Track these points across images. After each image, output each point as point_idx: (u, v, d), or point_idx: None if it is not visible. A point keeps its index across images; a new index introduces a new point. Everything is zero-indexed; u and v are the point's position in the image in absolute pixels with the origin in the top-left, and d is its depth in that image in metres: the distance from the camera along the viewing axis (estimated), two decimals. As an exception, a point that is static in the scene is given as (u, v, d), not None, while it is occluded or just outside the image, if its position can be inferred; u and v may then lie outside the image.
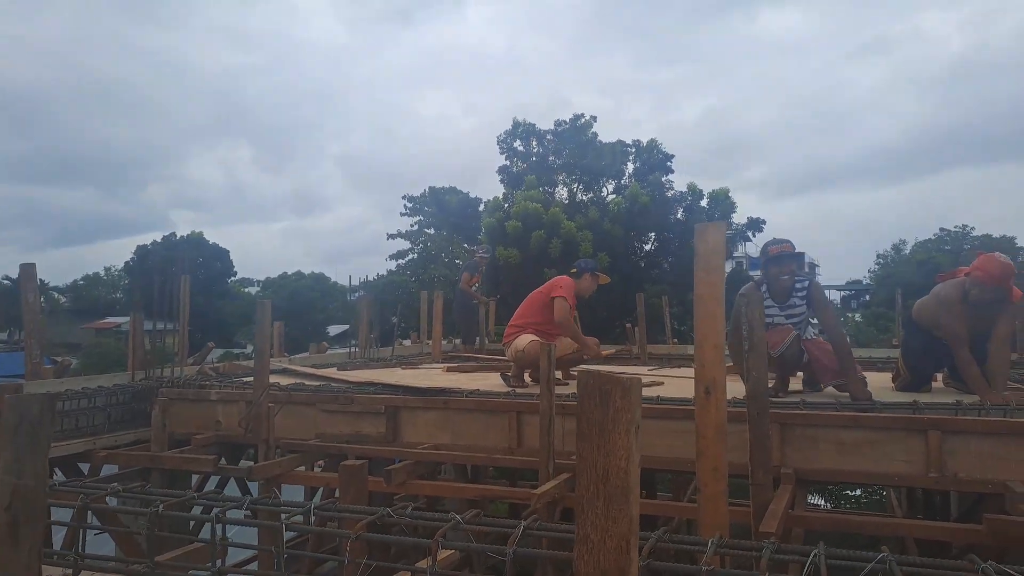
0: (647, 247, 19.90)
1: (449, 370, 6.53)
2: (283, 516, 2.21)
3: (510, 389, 5.01)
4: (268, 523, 2.11)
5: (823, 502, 12.10)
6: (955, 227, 29.18)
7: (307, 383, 5.34)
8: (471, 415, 4.67)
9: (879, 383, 5.34)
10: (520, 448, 4.53)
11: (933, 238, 29.14)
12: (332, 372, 6.10)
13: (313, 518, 2.12)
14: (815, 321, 4.85)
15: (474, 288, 9.49)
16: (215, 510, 2.00)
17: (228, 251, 31.26)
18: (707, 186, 19.60)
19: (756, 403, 3.67)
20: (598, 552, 1.16)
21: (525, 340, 5.26)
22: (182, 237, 36.90)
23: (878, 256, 34.95)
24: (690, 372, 6.74)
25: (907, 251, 30.00)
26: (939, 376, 5.20)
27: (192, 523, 2.61)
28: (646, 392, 4.93)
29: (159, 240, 38.66)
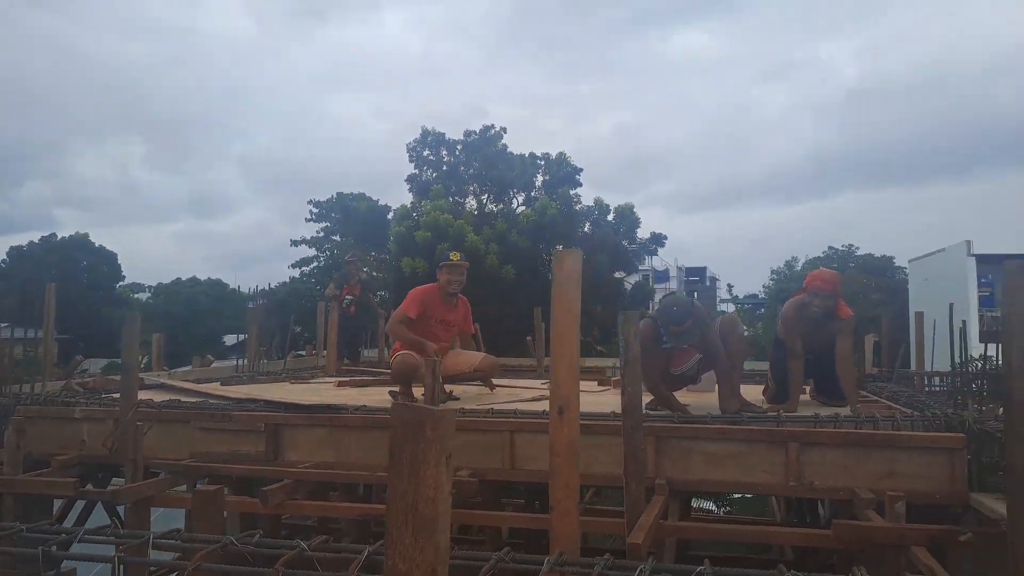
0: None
1: (340, 384, 6.43)
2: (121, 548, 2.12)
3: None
4: (100, 556, 2.01)
5: (717, 509, 12.61)
6: (842, 246, 31.18)
7: (184, 399, 5.12)
8: (357, 432, 4.61)
9: (755, 395, 5.65)
10: (405, 464, 4.50)
11: (822, 256, 30.98)
12: (214, 387, 5.88)
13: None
14: None
15: (349, 298, 8.98)
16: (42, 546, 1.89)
17: (116, 254, 29.23)
18: (618, 200, 20.20)
19: (631, 418, 3.81)
20: (405, 582, 1.18)
21: (395, 355, 5.30)
22: (64, 238, 34.10)
23: (772, 272, 36.90)
24: (585, 385, 6.84)
25: (798, 267, 31.78)
26: (807, 389, 5.55)
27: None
28: (534, 407, 5.01)
29: (37, 241, 35.61)
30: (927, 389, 6.57)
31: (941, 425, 4.03)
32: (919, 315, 7.93)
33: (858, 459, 3.96)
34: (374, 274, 17.87)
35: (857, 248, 30.22)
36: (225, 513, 3.55)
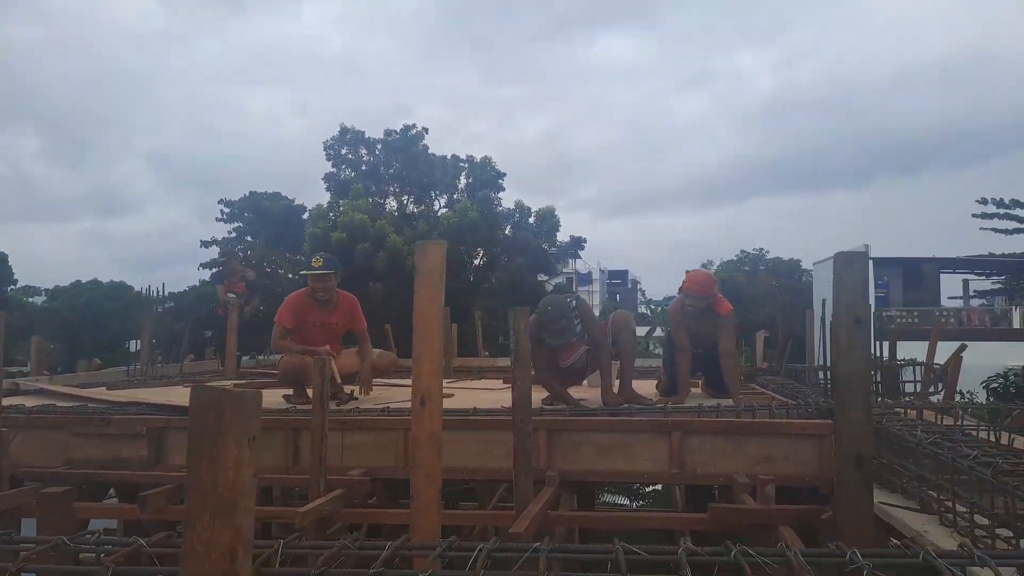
0: (476, 262, 20.28)
1: (236, 387, 6.24)
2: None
3: (289, 406, 4.89)
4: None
5: (628, 501, 12.91)
6: (753, 250, 32.44)
7: (60, 404, 4.88)
8: (245, 433, 4.50)
9: (649, 389, 5.82)
10: (296, 466, 4.43)
11: (735, 259, 32.16)
12: (97, 392, 5.62)
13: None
14: None
15: (232, 296, 8.50)
16: None
17: (7, 255, 27.04)
18: (541, 203, 20.36)
19: (520, 411, 3.87)
20: (203, 563, 1.16)
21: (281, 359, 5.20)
22: (-61, 237, 31.31)
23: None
24: (490, 383, 6.85)
25: (712, 270, 32.85)
26: (700, 383, 5.76)
27: None
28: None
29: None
30: (816, 382, 6.92)
31: (813, 413, 4.25)
32: (810, 313, 8.34)
33: (736, 446, 4.13)
34: (290, 275, 17.44)
35: (768, 252, 31.54)
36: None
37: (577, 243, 21.42)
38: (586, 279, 49.45)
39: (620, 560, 1.62)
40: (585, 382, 5.81)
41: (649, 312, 28.74)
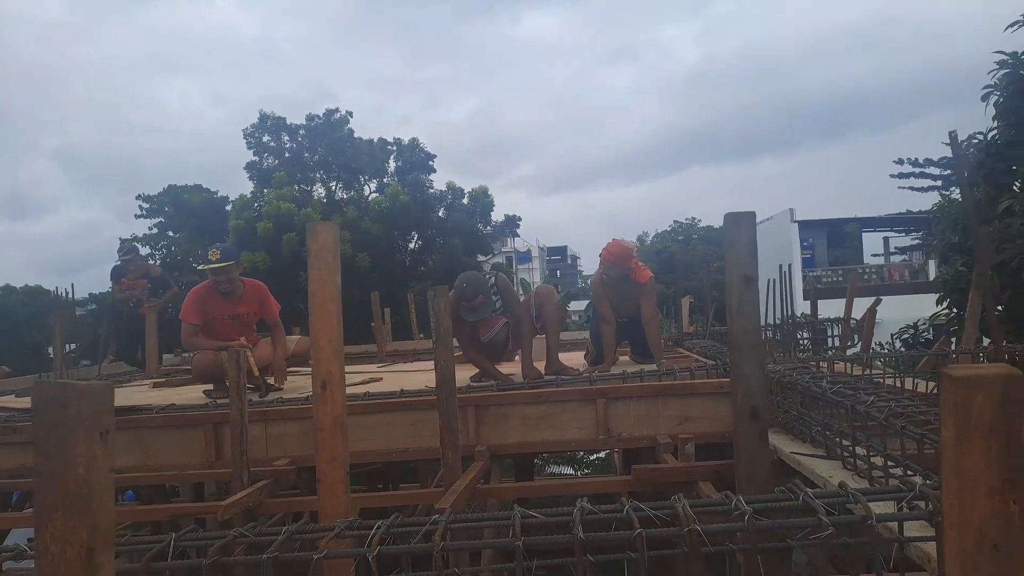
0: (411, 246, 20.09)
1: (156, 386, 6.06)
2: None
3: (209, 401, 4.76)
4: None
5: (572, 470, 13.15)
6: (686, 219, 33.13)
7: (-39, 415, 4.63)
8: (163, 432, 4.38)
9: (578, 360, 5.91)
10: (219, 461, 4.33)
11: (668, 229, 32.80)
12: (5, 400, 5.36)
13: None
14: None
15: (133, 293, 8.18)
16: None
17: None
18: (477, 184, 20.27)
19: (444, 389, 3.86)
20: (59, 563, 1.11)
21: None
22: None
23: (626, 246, 38.53)
24: (422, 366, 6.81)
25: (648, 241, 33.48)
26: (628, 351, 5.87)
27: None
28: (360, 389, 4.96)
29: None
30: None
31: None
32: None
33: (659, 409, 4.23)
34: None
35: (700, 220, 32.27)
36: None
37: (512, 222, 21.44)
38: (525, 257, 49.61)
39: (516, 524, 1.63)
40: (517, 357, 5.84)
41: (587, 286, 29.12)
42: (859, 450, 2.89)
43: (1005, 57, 5.40)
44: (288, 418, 4.35)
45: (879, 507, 1.61)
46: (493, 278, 4.94)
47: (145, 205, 20.00)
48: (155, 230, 20.29)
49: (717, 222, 32.94)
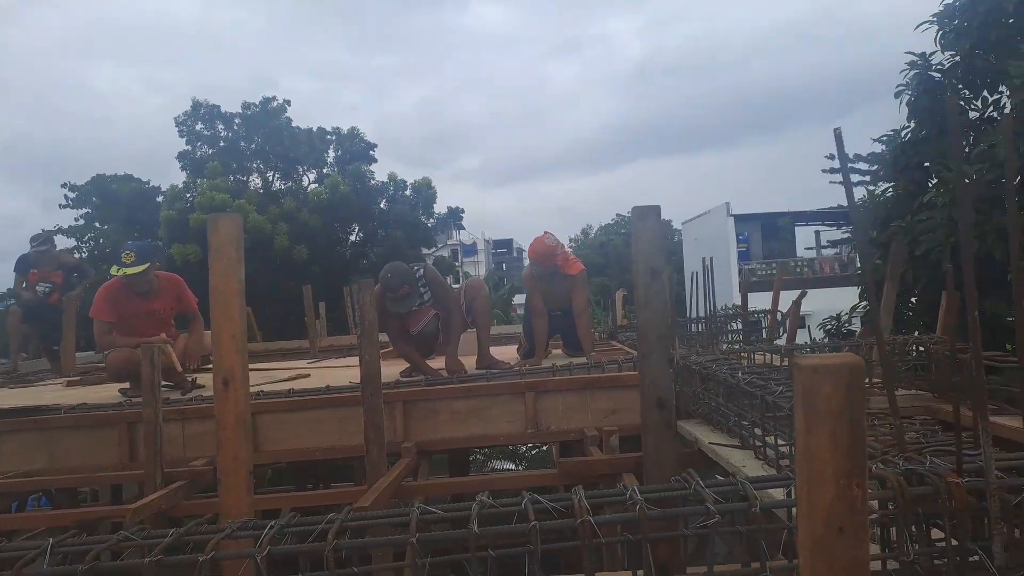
0: (352, 238, 19.78)
1: (70, 384, 5.82)
2: None
3: (125, 399, 4.59)
4: None
5: (514, 465, 13.19)
6: (628, 212, 33.61)
7: None
8: (74, 432, 4.21)
9: (511, 354, 5.92)
10: (134, 462, 4.18)
11: (612, 222, 33.22)
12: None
13: None
14: None
15: (46, 286, 7.58)
16: None
17: None
18: (420, 175, 20.05)
19: (369, 385, 3.82)
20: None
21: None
22: None
23: (571, 240, 38.96)
24: (355, 362, 6.75)
25: (592, 235, 33.84)
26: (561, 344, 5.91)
27: None
28: (286, 386, 4.87)
29: None
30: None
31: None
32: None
33: (587, 402, 4.28)
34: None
35: (642, 214, 32.71)
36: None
37: (455, 214, 21.34)
38: (471, 250, 49.53)
39: (413, 520, 1.61)
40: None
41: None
42: (769, 439, 2.98)
43: (915, 58, 5.63)
44: (206, 416, 4.21)
45: (780, 495, 1.66)
46: (422, 269, 4.91)
47: (71, 195, 19.15)
48: (81, 221, 19.46)
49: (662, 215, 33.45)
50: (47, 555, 1.58)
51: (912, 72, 5.67)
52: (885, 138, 5.94)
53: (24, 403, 4.56)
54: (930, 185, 5.78)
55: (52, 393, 5.47)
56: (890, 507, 1.59)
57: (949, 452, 1.68)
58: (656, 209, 2.19)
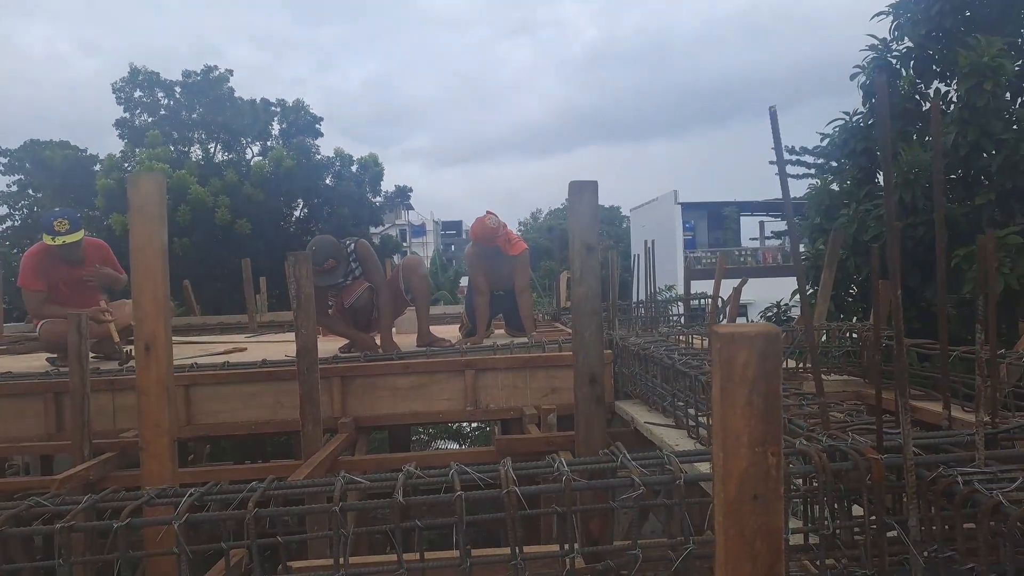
0: (297, 214, 19.35)
1: (-4, 353, 5.57)
2: None
3: (52, 368, 4.41)
4: None
5: (458, 445, 13.23)
6: (577, 196, 33.75)
7: None
8: (-3, 401, 4.03)
9: (453, 332, 5.90)
10: (61, 432, 4.03)
11: (561, 207, 33.35)
12: None
13: None
14: None
15: None
16: None
17: None
18: (368, 152, 19.67)
19: (305, 359, 3.75)
20: None
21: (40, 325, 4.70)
22: None
23: (520, 224, 39.00)
24: (293, 337, 6.61)
25: (542, 218, 33.96)
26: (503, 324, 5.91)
27: None
28: (222, 359, 4.76)
29: None
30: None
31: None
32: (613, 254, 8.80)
33: (526, 380, 4.30)
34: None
35: (591, 199, 32.93)
36: None
37: (403, 192, 21.06)
38: (420, 231, 49.13)
39: (338, 489, 1.59)
40: (394, 329, 5.76)
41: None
42: (703, 420, 3.05)
43: (875, 41, 5.76)
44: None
45: (707, 469, 1.69)
46: (352, 244, 4.84)
47: (3, 160, 18.23)
48: (14, 188, 18.56)
49: (607, 201, 33.83)
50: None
51: (871, 56, 5.80)
52: (839, 122, 6.06)
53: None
54: (878, 175, 5.93)
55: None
56: (813, 483, 1.64)
57: (871, 431, 1.74)
58: (593, 184, 2.20)
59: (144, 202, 2.09)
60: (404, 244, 30.85)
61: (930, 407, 3.00)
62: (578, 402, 2.27)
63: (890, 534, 1.55)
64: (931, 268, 4.85)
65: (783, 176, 1.71)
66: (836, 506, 1.62)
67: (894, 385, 3.58)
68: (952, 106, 5.37)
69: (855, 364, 4.06)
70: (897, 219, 5.06)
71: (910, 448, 1.43)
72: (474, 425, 13.90)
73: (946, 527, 1.50)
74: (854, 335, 4.17)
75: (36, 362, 4.97)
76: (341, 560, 1.53)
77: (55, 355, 4.66)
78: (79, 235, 4.55)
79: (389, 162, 19.38)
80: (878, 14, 5.95)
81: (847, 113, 6.13)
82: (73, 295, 4.67)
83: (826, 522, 1.56)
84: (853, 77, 5.98)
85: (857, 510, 1.67)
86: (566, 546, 1.65)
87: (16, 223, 20.11)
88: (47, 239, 4.55)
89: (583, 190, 2.16)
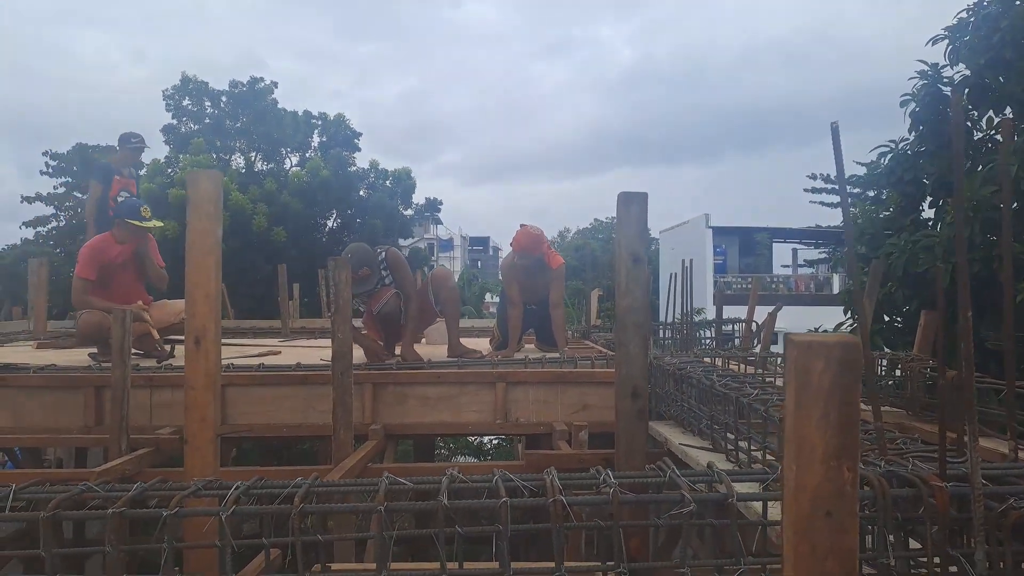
0: (330, 224, 19.58)
1: (40, 346, 5.69)
2: None
3: (94, 363, 4.49)
4: None
5: (477, 459, 13.18)
6: (607, 218, 33.73)
7: None
8: (40, 393, 4.11)
9: (483, 346, 5.89)
10: (99, 427, 4.09)
11: (589, 227, 33.33)
12: None
13: None
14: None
15: (125, 195, 6.82)
16: None
17: None
18: (397, 166, 19.89)
19: (340, 363, 3.76)
20: None
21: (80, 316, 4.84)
22: None
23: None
24: (327, 343, 6.67)
25: (569, 238, 33.93)
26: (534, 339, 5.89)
27: None
28: (256, 361, 4.80)
29: None
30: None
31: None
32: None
33: (557, 396, 4.26)
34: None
35: (620, 220, 32.78)
36: None
37: (433, 205, 21.21)
38: (447, 245, 49.36)
39: (381, 490, 1.58)
40: (423, 339, 5.77)
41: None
42: (742, 443, 2.98)
43: (926, 68, 5.60)
44: (175, 385, 4.14)
45: (749, 490, 1.65)
46: (384, 252, 4.88)
47: (52, 163, 18.76)
48: (61, 189, 19.07)
49: (638, 224, 33.56)
50: (9, 500, 1.53)
51: (920, 82, 5.64)
52: (883, 149, 5.92)
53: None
54: (923, 205, 5.78)
55: (21, 354, 5.34)
56: (866, 511, 1.57)
57: (931, 459, 1.68)
58: (643, 196, 2.18)
59: (202, 199, 2.12)
60: (432, 258, 30.98)
61: (984, 444, 2.91)
62: (619, 416, 2.23)
63: (951, 568, 1.49)
64: (985, 304, 4.69)
65: (843, 193, 1.68)
66: (892, 537, 1.57)
67: (938, 417, 3.49)
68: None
69: (897, 396, 3.96)
70: (951, 254, 4.94)
71: (978, 475, 1.38)
72: (495, 442, 13.85)
73: (1020, 564, 1.43)
74: (896, 366, 4.07)
75: (77, 356, 5.07)
76: (365, 564, 1.51)
77: (96, 351, 4.75)
78: (160, 223, 4.93)
79: (421, 177, 19.53)
80: (933, 39, 5.80)
81: (893, 141, 6.01)
82: (121, 290, 4.81)
83: (884, 552, 1.50)
84: (903, 104, 5.85)
85: (910, 543, 1.60)
86: (608, 562, 1.61)
87: (61, 224, 20.62)
88: (137, 223, 4.81)
89: (632, 201, 2.14)
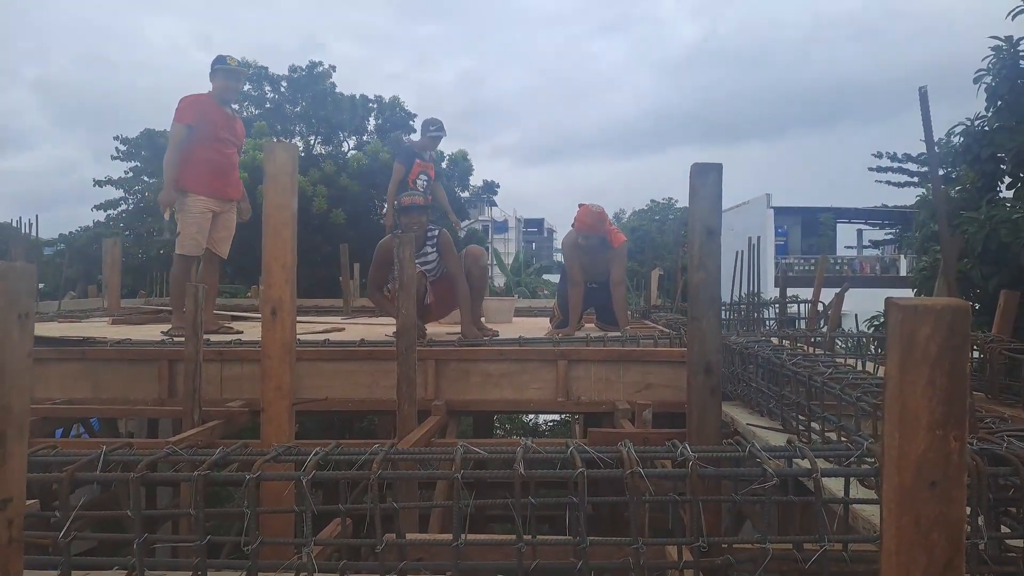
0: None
1: (115, 322, 5.94)
2: None
3: (166, 338, 4.66)
4: None
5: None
6: (663, 199, 33.13)
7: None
8: (115, 365, 4.29)
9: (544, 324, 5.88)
10: (172, 399, 4.25)
11: (645, 208, 32.80)
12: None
13: None
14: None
15: (424, 179, 6.76)
16: None
17: None
18: (456, 148, 20.00)
19: (404, 339, 3.81)
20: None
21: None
22: None
23: (605, 222, 38.42)
24: (387, 320, 6.74)
25: (625, 219, 33.46)
26: (594, 318, 5.85)
27: None
28: (321, 337, 4.91)
29: None
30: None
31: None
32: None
33: (619, 374, 4.23)
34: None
35: (677, 201, 32.25)
36: None
37: (490, 188, 21.21)
38: (502, 227, 49.42)
39: (457, 457, 1.59)
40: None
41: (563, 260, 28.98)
42: (814, 424, 2.91)
43: (1000, 42, 5.35)
44: (244, 359, 4.27)
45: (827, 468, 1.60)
46: (437, 231, 4.89)
47: (122, 147, 19.44)
48: (130, 174, 19.76)
49: (696, 205, 32.85)
50: (100, 462, 1.59)
51: (996, 57, 5.39)
52: (959, 127, 5.67)
53: (74, 334, 4.66)
54: (1000, 184, 5.54)
55: (97, 329, 5.59)
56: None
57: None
58: (718, 167, 2.12)
59: (278, 171, 2.17)
60: (488, 241, 31.07)
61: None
62: (692, 392, 2.20)
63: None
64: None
65: (932, 159, 1.60)
66: (985, 517, 1.50)
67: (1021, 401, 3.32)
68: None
69: (974, 378, 3.79)
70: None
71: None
72: (551, 423, 13.89)
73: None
74: (974, 347, 3.89)
75: (150, 331, 5.27)
76: (434, 536, 1.52)
77: (168, 328, 4.93)
78: (241, 70, 5.41)
79: (477, 159, 19.51)
80: (1012, 12, 5.51)
81: (969, 119, 5.76)
82: (220, 151, 5.10)
83: (977, 533, 1.44)
84: (977, 80, 5.58)
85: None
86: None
87: (129, 207, 21.41)
88: (230, 60, 5.12)
89: (707, 172, 2.09)
